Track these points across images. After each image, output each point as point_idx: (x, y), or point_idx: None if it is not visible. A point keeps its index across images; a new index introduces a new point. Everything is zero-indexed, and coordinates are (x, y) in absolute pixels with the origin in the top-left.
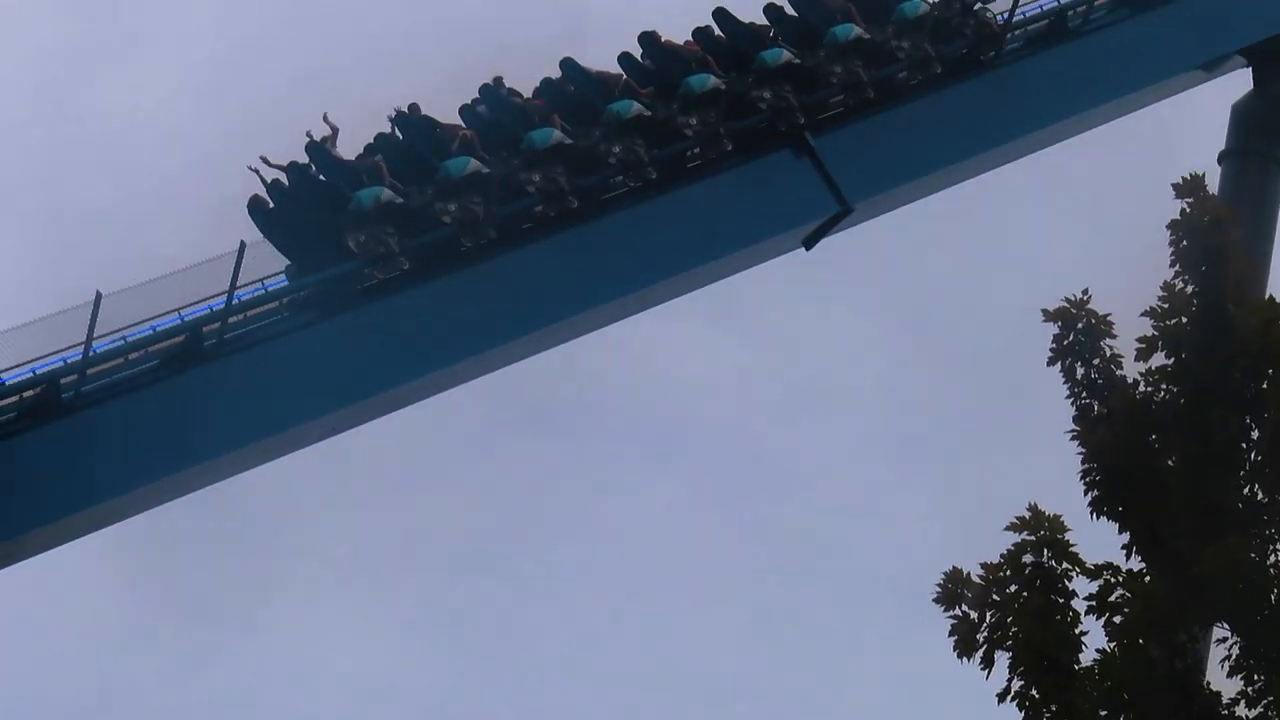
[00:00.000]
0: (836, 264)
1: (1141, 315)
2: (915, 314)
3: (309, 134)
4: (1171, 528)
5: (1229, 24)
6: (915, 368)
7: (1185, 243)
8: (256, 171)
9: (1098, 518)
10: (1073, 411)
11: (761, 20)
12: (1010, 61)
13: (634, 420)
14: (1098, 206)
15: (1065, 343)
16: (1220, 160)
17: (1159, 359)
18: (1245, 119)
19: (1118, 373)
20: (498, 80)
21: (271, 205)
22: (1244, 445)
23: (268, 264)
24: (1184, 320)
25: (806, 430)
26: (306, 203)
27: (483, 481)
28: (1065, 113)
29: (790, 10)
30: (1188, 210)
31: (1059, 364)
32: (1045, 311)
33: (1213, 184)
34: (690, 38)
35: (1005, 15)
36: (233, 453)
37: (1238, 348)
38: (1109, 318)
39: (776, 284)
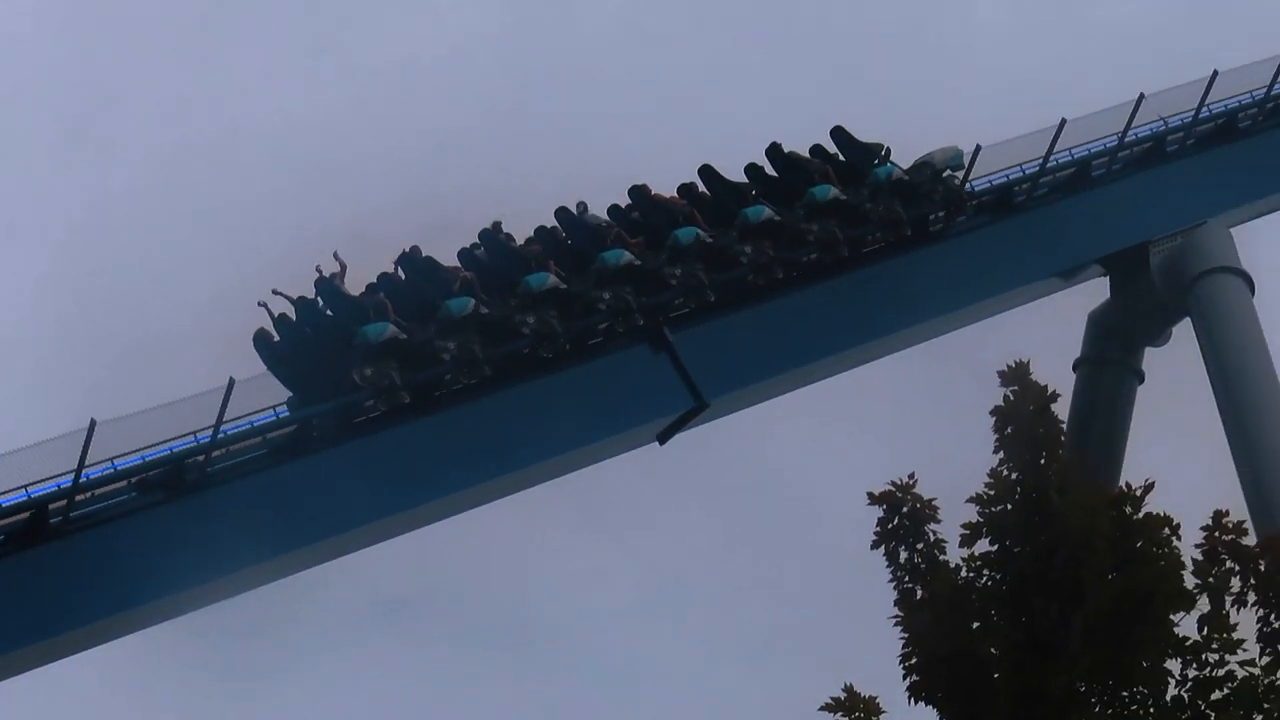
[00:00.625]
0: (689, 458)
1: (967, 501)
2: (765, 506)
3: (318, 269)
4: (991, 715)
5: (1087, 233)
6: (761, 561)
7: (1010, 429)
8: (265, 306)
9: (916, 703)
10: (894, 595)
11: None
12: (875, 261)
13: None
14: (945, 403)
15: (889, 526)
16: (1075, 367)
17: (983, 545)
18: (1101, 327)
19: (941, 558)
20: (496, 225)
21: (277, 339)
22: (1064, 634)
23: (256, 398)
24: (1008, 507)
25: (656, 629)
26: (314, 336)
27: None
28: (923, 316)
29: (770, 170)
30: (1011, 397)
31: (883, 547)
32: (871, 495)
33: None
34: (675, 193)
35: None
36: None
37: (1060, 536)
38: (934, 502)
39: (629, 477)
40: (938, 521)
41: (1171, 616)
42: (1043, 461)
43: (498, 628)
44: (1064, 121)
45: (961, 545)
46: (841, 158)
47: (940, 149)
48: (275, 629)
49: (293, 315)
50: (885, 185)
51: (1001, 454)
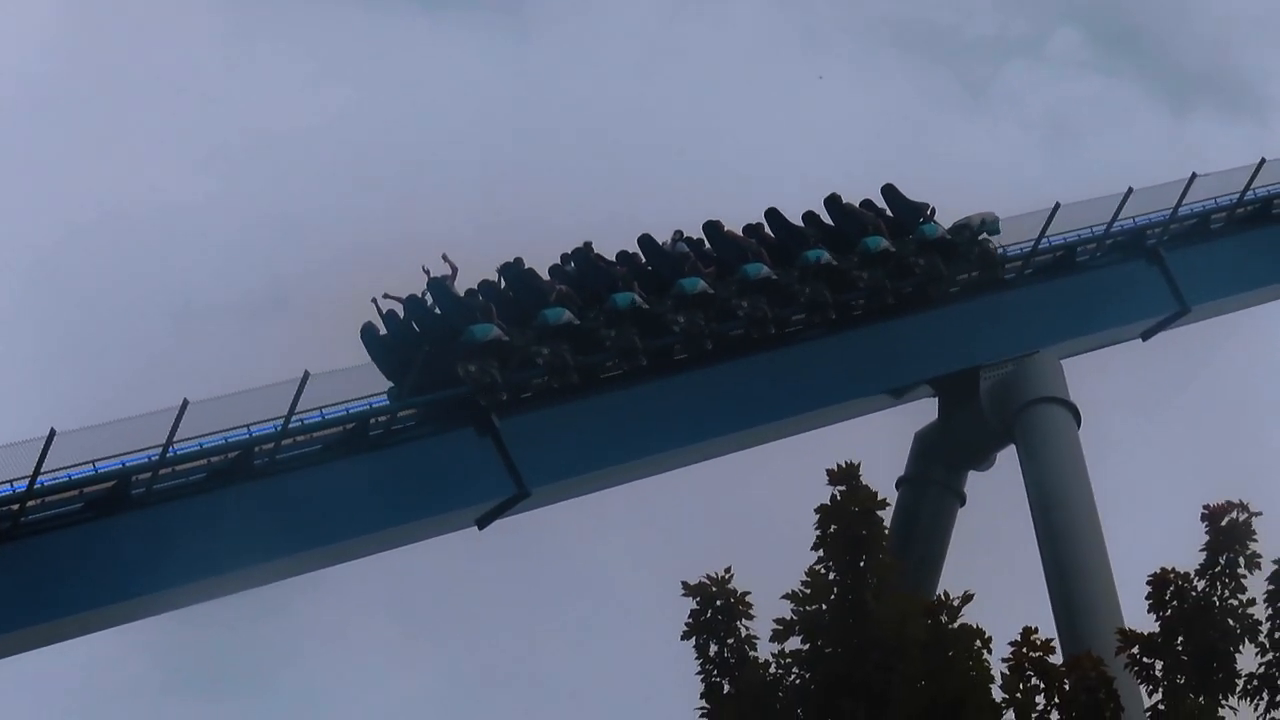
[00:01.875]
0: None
1: (782, 598)
2: (581, 597)
3: (426, 270)
4: None
5: (919, 354)
6: (566, 653)
7: (833, 528)
8: (375, 302)
9: None
10: (701, 688)
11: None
12: (714, 363)
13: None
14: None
15: (702, 619)
16: (898, 485)
17: (795, 643)
18: (926, 447)
19: (751, 653)
20: (587, 245)
21: (383, 333)
22: None
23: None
24: (823, 606)
25: None
26: (422, 332)
27: None
28: (749, 423)
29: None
30: (839, 498)
31: (693, 639)
32: (685, 585)
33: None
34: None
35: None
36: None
37: (873, 639)
38: (748, 597)
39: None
40: (750, 617)
41: None
42: (862, 564)
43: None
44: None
45: (773, 640)
46: (889, 213)
47: (979, 213)
48: None
49: (400, 313)
50: (931, 242)
51: (821, 552)
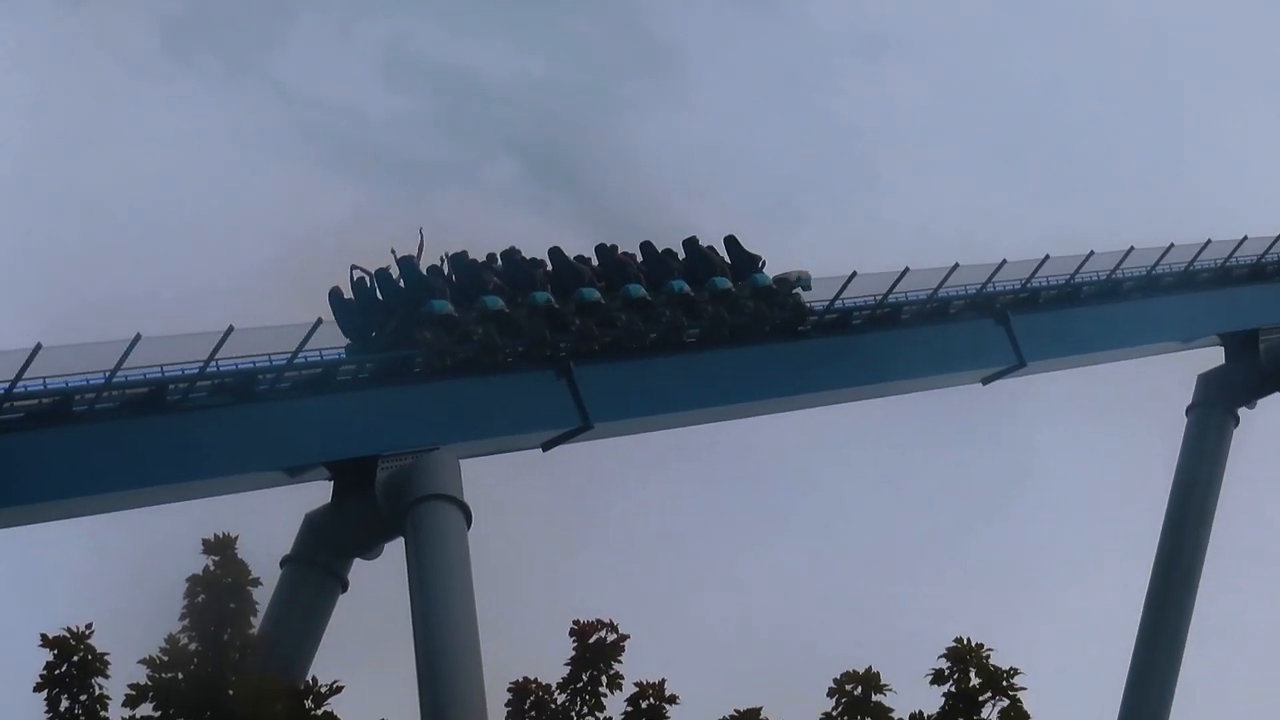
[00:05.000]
0: None
1: (139, 662)
2: None
3: (393, 251)
4: None
5: (321, 435)
6: None
7: (201, 598)
8: (355, 269)
9: None
10: None
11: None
12: None
13: None
14: None
15: (56, 672)
16: (282, 564)
17: (147, 708)
18: (315, 529)
19: (102, 713)
20: (512, 249)
21: (349, 297)
22: None
23: None
24: (180, 676)
25: None
26: (390, 301)
27: None
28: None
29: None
30: (211, 568)
31: (46, 692)
32: (44, 637)
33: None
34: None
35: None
36: None
37: (225, 715)
38: (106, 656)
39: None
40: (106, 676)
41: None
42: (226, 637)
43: None
44: (319, 321)
45: (125, 705)
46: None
47: (796, 270)
48: None
49: (368, 283)
50: (761, 289)
51: (186, 621)
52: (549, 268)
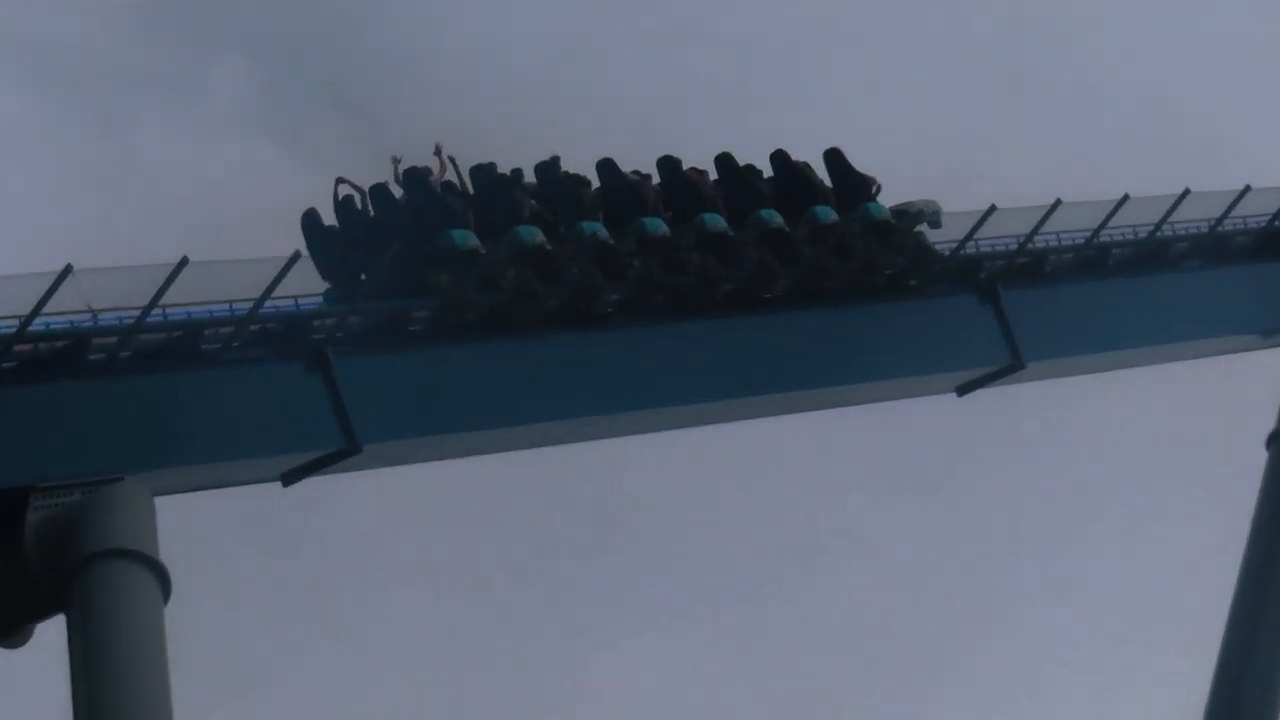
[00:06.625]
0: None
1: None
2: None
3: (394, 160)
4: None
5: None
6: None
7: None
8: (344, 182)
9: None
10: None
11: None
12: None
13: None
14: None
15: None
16: None
17: None
18: None
19: None
20: (555, 159)
21: (330, 223)
22: None
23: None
24: None
25: None
26: (388, 228)
27: None
28: None
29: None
30: None
31: None
32: None
33: None
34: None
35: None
36: None
37: None
38: None
39: None
40: None
41: None
42: None
43: None
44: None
45: None
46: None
47: (923, 199)
48: None
49: (358, 203)
50: (877, 224)
51: None
52: (597, 186)
